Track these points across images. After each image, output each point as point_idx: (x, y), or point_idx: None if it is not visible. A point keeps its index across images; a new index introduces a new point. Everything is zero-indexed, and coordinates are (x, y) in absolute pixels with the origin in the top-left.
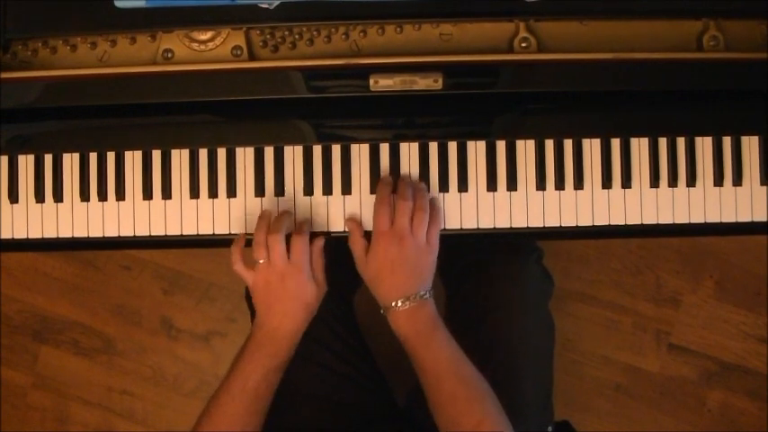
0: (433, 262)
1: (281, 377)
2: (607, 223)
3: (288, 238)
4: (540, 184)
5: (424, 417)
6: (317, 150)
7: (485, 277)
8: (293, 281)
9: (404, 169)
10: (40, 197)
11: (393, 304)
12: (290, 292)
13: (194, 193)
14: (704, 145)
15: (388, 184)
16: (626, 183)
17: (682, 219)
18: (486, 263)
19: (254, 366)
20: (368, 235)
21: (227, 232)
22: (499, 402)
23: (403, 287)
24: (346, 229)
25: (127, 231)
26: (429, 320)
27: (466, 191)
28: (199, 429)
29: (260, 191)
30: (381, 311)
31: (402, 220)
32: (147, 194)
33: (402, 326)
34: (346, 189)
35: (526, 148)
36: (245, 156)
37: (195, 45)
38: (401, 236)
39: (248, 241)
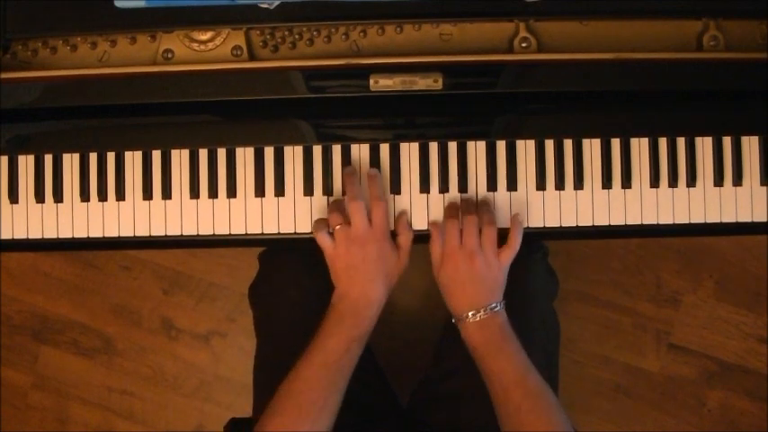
0: (504, 276)
1: (363, 348)
2: (607, 223)
3: None
4: (540, 184)
5: (427, 416)
6: (317, 150)
7: None
8: (375, 247)
9: (404, 169)
10: (40, 197)
11: (464, 315)
12: (371, 259)
13: (194, 194)
14: (704, 145)
15: (455, 204)
16: (626, 183)
17: (682, 219)
18: None
19: (336, 339)
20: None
21: (227, 232)
22: (566, 415)
23: (474, 300)
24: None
25: (127, 231)
26: (499, 331)
27: (466, 191)
28: (279, 403)
29: (260, 191)
30: (453, 321)
31: (471, 240)
32: (147, 194)
33: (472, 336)
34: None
35: (526, 148)
36: (245, 156)
37: (195, 45)
38: (471, 255)
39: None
